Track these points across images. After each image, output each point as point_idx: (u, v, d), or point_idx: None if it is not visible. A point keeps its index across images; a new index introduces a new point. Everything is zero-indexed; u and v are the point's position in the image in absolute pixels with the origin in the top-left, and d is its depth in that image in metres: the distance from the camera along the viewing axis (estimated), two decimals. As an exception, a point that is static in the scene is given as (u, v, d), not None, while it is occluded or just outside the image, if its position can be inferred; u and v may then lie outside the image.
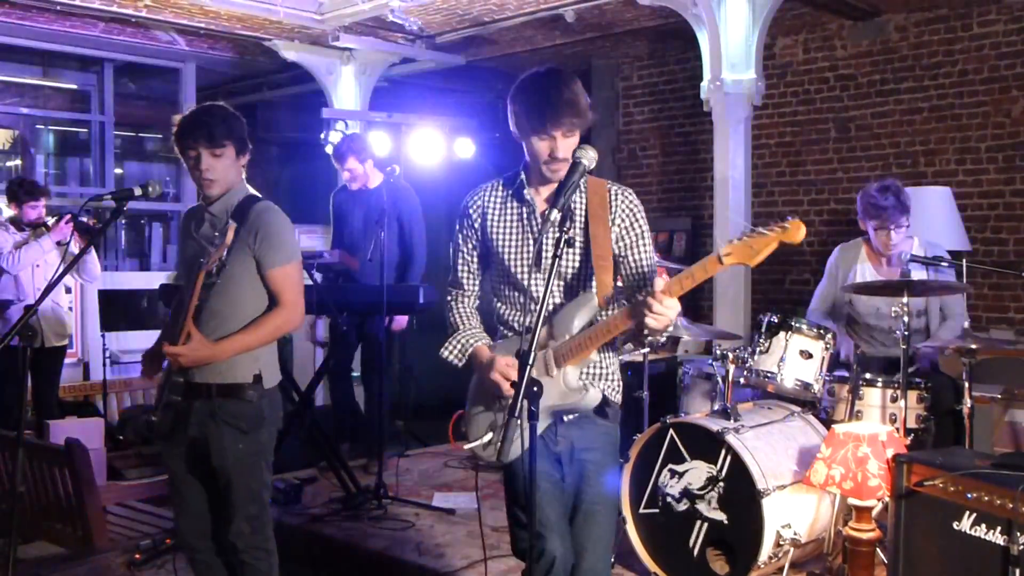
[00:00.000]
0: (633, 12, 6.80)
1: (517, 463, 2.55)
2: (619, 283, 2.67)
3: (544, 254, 2.62)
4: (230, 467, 3.04)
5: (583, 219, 2.62)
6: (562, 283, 2.65)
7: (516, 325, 2.70)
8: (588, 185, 2.64)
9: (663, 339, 2.54)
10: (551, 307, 2.61)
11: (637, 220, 2.66)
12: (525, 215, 2.68)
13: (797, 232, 2.23)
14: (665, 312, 2.32)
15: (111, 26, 7.31)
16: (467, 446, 2.68)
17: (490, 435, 2.63)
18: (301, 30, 7.28)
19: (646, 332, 2.40)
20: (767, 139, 7.75)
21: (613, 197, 2.64)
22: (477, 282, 2.81)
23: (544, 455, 2.59)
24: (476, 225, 2.73)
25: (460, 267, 2.79)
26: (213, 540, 3.19)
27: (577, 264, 2.64)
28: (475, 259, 2.77)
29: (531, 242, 2.66)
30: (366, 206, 5.77)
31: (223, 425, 3.02)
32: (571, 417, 2.63)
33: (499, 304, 2.75)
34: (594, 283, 2.61)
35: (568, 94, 2.50)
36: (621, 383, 2.76)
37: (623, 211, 2.64)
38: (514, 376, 2.45)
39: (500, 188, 2.74)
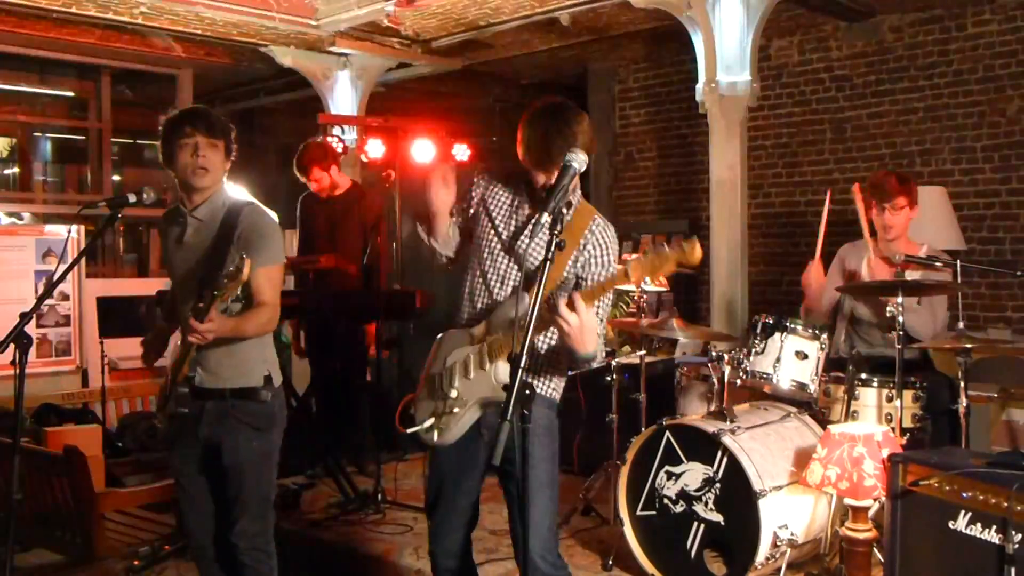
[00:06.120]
0: (628, 15, 6.81)
1: (445, 452, 2.82)
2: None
3: (520, 240, 2.77)
4: (243, 465, 3.05)
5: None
6: (517, 274, 2.77)
7: (477, 300, 2.84)
8: (579, 206, 2.79)
9: (589, 365, 2.68)
10: (502, 300, 2.77)
11: (607, 252, 2.77)
12: (515, 206, 2.83)
13: (693, 253, 2.50)
14: (571, 316, 2.45)
15: (108, 33, 7.32)
16: (409, 430, 2.85)
17: (432, 420, 2.81)
18: (297, 36, 7.29)
19: (563, 336, 2.52)
20: (763, 140, 7.77)
21: (592, 227, 2.78)
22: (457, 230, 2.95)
23: (471, 450, 2.80)
24: (478, 199, 2.88)
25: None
26: (215, 543, 3.19)
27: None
28: (461, 218, 2.92)
29: (512, 231, 2.81)
30: (330, 210, 5.68)
31: (238, 424, 3.04)
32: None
33: (467, 278, 2.90)
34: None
35: (567, 133, 2.62)
36: (561, 386, 2.89)
37: (596, 239, 2.77)
38: (450, 182, 2.80)
39: (509, 184, 2.88)
